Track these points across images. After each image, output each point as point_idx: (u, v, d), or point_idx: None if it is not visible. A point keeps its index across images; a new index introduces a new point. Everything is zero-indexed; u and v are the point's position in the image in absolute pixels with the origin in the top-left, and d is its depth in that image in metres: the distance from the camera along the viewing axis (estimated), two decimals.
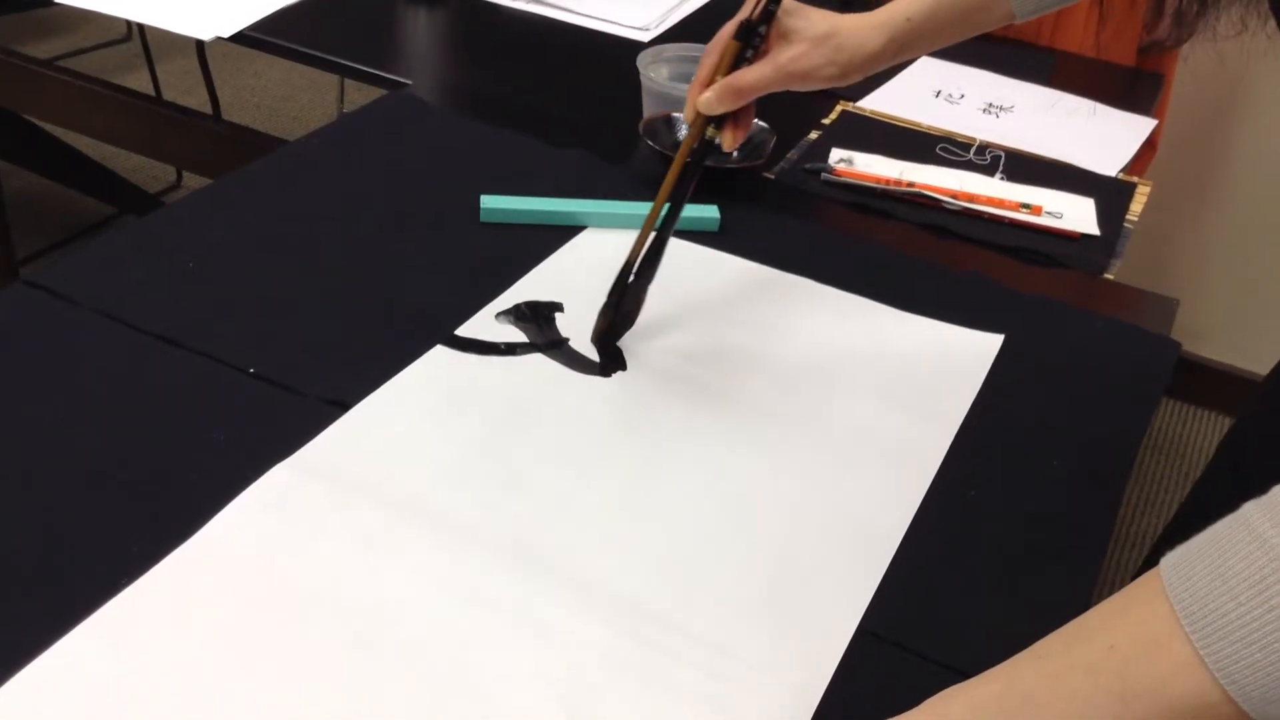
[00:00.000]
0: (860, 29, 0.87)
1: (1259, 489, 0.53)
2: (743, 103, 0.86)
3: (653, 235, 0.86)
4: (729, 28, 0.87)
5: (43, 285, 0.87)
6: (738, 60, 0.85)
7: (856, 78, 0.89)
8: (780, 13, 0.85)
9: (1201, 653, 0.49)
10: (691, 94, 0.87)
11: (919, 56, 0.91)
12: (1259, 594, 0.48)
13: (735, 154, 1.14)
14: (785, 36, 0.86)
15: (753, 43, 0.85)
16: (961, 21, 0.91)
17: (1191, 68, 1.70)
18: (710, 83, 0.86)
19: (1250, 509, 0.51)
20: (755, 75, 0.85)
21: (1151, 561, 0.86)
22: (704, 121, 0.86)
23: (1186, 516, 0.94)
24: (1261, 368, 0.94)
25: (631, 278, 0.86)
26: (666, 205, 0.86)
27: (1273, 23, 0.64)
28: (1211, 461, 0.94)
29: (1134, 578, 0.75)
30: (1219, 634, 0.49)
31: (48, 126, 2.03)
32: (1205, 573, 0.50)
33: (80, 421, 0.76)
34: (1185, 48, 1.64)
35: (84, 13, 1.38)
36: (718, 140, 0.87)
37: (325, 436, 0.77)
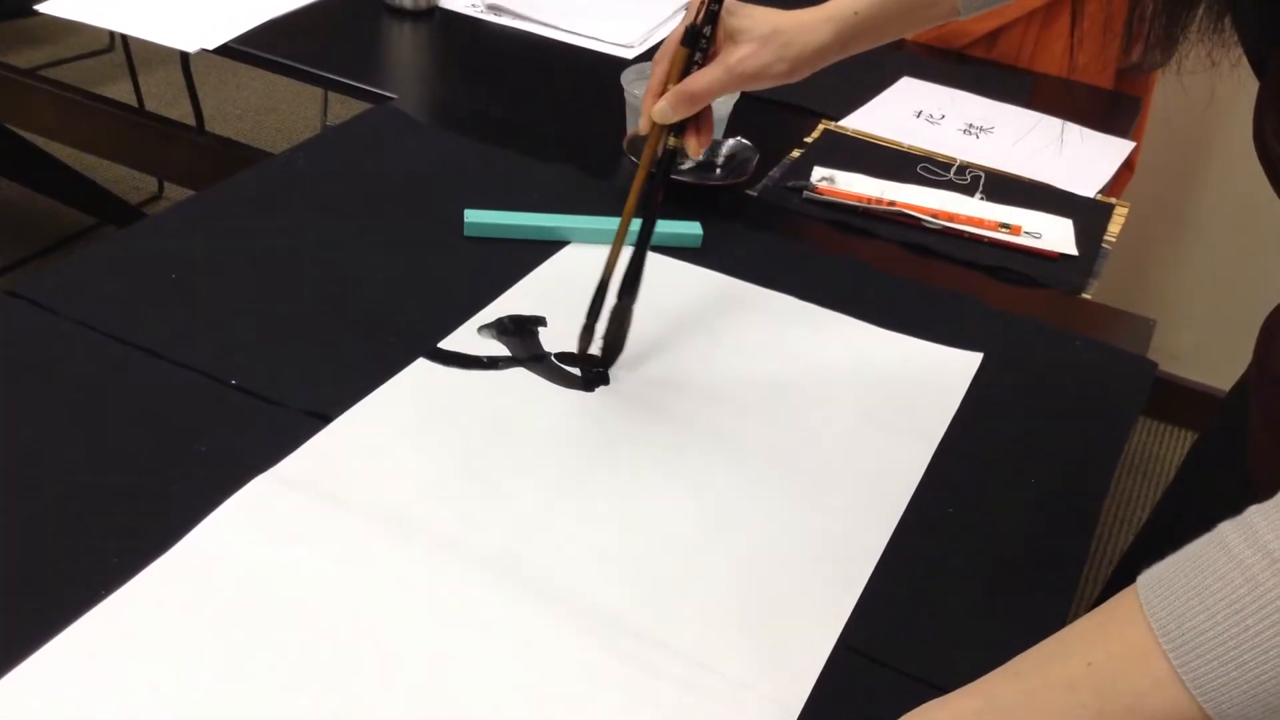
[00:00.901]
0: (808, 24, 0.87)
1: (1221, 504, 0.54)
2: (698, 108, 0.85)
3: (629, 252, 0.86)
4: (675, 34, 0.86)
5: (24, 296, 0.87)
6: (687, 66, 0.85)
7: (806, 72, 0.89)
8: (724, 14, 0.84)
9: (1178, 670, 0.50)
10: (645, 105, 0.86)
11: (864, 49, 0.91)
12: (1235, 613, 0.49)
13: (719, 171, 1.15)
14: (732, 37, 0.86)
15: (700, 46, 0.84)
16: (908, 14, 0.90)
17: (1170, 90, 1.72)
18: (663, 92, 0.85)
19: (1226, 529, 0.52)
20: (707, 79, 0.84)
21: (1119, 576, 0.87)
22: (662, 131, 0.85)
23: (1152, 532, 0.95)
24: None
25: (615, 299, 0.85)
26: (639, 221, 0.86)
27: (1236, 51, 0.65)
28: (1175, 477, 0.96)
29: (1102, 593, 0.76)
30: (1195, 652, 0.50)
31: (29, 136, 2.02)
32: (1182, 591, 0.51)
33: (61, 432, 0.76)
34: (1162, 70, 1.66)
35: (67, 23, 1.38)
36: (681, 149, 0.86)
37: (307, 449, 0.77)
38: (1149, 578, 0.53)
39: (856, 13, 0.87)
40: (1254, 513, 0.51)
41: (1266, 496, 0.52)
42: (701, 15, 0.84)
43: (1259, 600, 0.48)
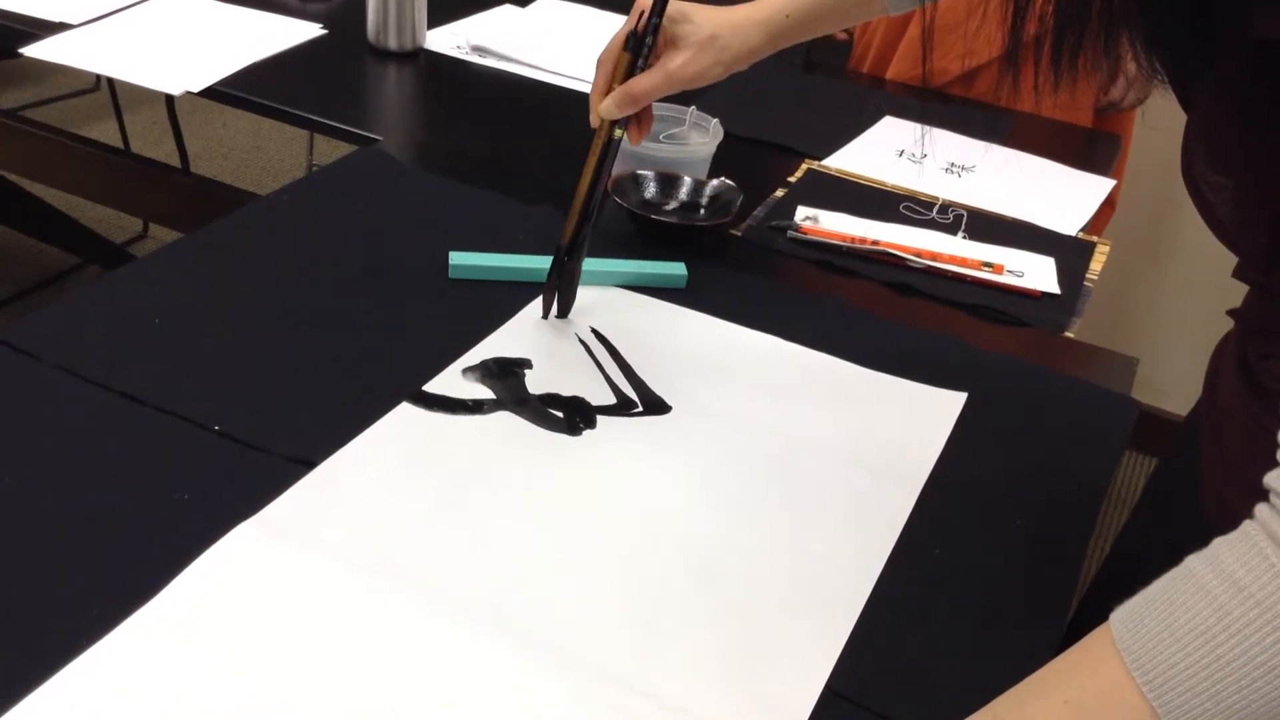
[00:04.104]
0: (742, 27, 0.94)
1: (1179, 533, 0.54)
2: (639, 107, 0.94)
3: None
4: (618, 38, 0.94)
5: (6, 341, 0.87)
6: (631, 69, 0.93)
7: (739, 69, 0.97)
8: (665, 20, 0.92)
9: (1154, 703, 0.50)
10: (593, 101, 0.95)
11: (794, 44, 1.00)
12: (1205, 643, 0.50)
13: (703, 211, 1.15)
14: (672, 43, 0.94)
15: (641, 53, 0.92)
16: (838, 14, 0.98)
17: (1149, 127, 1.73)
18: (608, 90, 0.93)
19: (1193, 561, 0.52)
20: (648, 83, 0.92)
21: (1086, 609, 0.87)
22: (610, 124, 0.94)
23: (1115, 563, 0.96)
24: None
25: (565, 260, 0.96)
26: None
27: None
28: (1134, 509, 0.96)
29: (1071, 624, 0.77)
30: (1169, 684, 0.50)
31: (12, 176, 2.02)
32: (1154, 625, 0.52)
33: (41, 479, 0.75)
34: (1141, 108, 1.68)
35: (52, 63, 1.38)
36: (624, 137, 0.96)
37: (290, 495, 0.76)
38: (1121, 614, 0.54)
39: (788, 15, 0.95)
40: (1220, 544, 0.52)
41: (1218, 522, 0.53)
42: (644, 24, 0.92)
43: (1228, 630, 0.49)
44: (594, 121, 0.95)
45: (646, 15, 0.92)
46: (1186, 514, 0.77)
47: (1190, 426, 0.85)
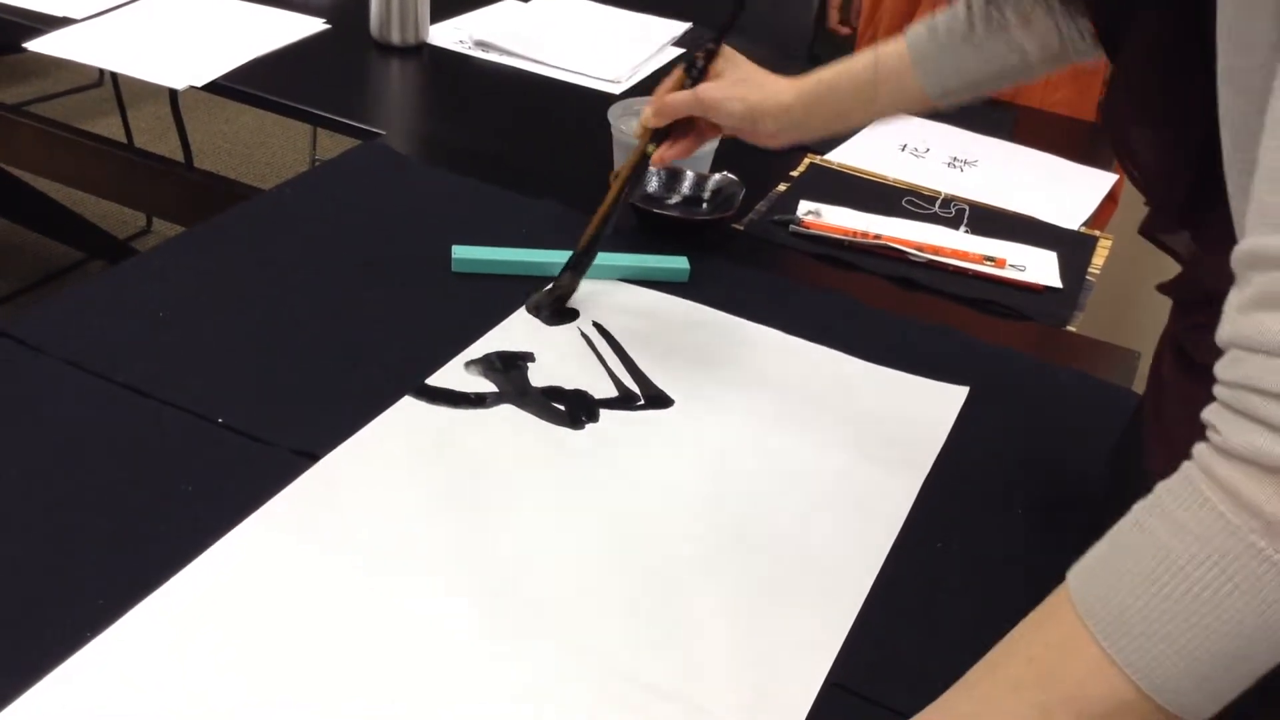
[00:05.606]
0: (776, 82, 1.01)
1: (1140, 491, 0.55)
2: (667, 119, 1.00)
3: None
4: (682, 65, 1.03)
5: (11, 334, 0.87)
6: (681, 87, 1.01)
7: (768, 125, 0.99)
8: (721, 60, 1.01)
9: (1110, 652, 0.51)
10: (645, 113, 1.02)
11: (828, 122, 1.01)
12: (1150, 585, 0.50)
13: (705, 205, 1.16)
14: (716, 74, 1.01)
15: (691, 74, 1.01)
16: (866, 97, 0.99)
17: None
18: None
19: (1138, 509, 0.53)
20: (679, 98, 1.00)
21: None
22: (649, 135, 1.01)
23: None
24: None
25: (573, 265, 1.00)
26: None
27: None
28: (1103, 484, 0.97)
29: None
30: (1121, 630, 0.51)
31: (16, 171, 2.02)
32: (1103, 574, 0.53)
33: (47, 472, 0.76)
34: None
35: (56, 58, 1.39)
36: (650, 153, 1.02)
37: (294, 488, 0.76)
38: (1076, 568, 0.55)
39: (820, 80, 0.99)
40: (1160, 488, 0.53)
41: None
42: (701, 51, 1.01)
43: (1170, 569, 0.50)
44: (637, 130, 1.03)
45: (707, 48, 1.02)
46: (1140, 491, 0.78)
47: (1141, 405, 0.86)
